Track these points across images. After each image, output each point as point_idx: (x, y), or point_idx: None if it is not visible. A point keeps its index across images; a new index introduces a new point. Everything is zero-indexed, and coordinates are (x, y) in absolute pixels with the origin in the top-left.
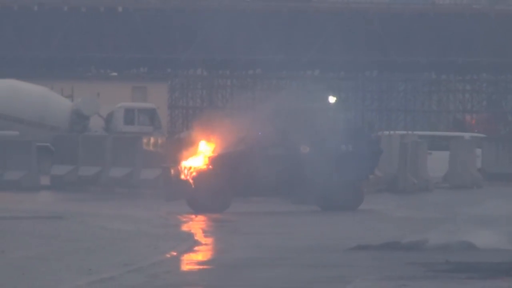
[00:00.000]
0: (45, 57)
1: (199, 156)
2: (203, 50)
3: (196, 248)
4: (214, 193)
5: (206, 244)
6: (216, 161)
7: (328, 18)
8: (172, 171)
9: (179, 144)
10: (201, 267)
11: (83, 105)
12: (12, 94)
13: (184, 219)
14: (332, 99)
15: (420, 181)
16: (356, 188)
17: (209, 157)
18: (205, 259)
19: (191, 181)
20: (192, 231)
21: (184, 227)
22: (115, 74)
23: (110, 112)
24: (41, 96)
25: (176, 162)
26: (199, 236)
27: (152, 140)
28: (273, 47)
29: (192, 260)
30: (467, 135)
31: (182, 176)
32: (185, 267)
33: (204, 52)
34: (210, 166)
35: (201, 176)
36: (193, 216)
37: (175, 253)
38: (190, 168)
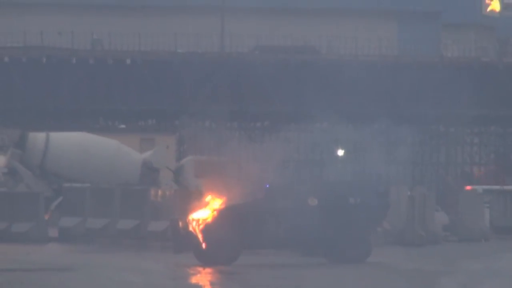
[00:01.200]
0: (53, 108)
1: (207, 208)
2: (211, 102)
3: None
4: (222, 245)
5: None
6: (224, 213)
7: (337, 70)
8: (180, 223)
9: (187, 196)
10: None
11: (153, 158)
12: (85, 147)
13: (192, 271)
14: (340, 152)
15: (428, 234)
16: (364, 240)
17: (217, 209)
18: None
19: (199, 233)
20: (200, 283)
21: (193, 280)
22: (123, 126)
23: (180, 165)
24: (113, 150)
25: (184, 214)
26: None
27: (160, 192)
28: (281, 99)
29: None
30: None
31: (190, 228)
32: None
33: (212, 104)
34: (218, 218)
35: (209, 228)
36: (201, 269)
37: None
38: (198, 220)
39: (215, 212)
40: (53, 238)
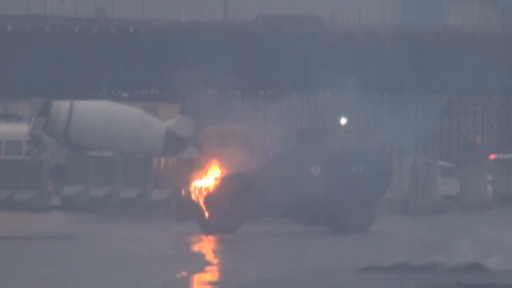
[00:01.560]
0: (56, 77)
1: (209, 177)
2: (214, 70)
3: (207, 268)
4: (225, 213)
5: (217, 265)
6: (227, 182)
7: (340, 40)
8: (183, 191)
9: (191, 164)
10: (211, 287)
11: (177, 126)
12: (108, 116)
13: (195, 240)
14: (343, 121)
15: (431, 202)
16: (367, 209)
17: (220, 178)
18: (215, 279)
19: (202, 201)
20: (203, 251)
21: (195, 248)
22: (126, 94)
23: (203, 133)
24: (137, 119)
25: (187, 182)
26: (210, 256)
27: (163, 160)
28: (284, 68)
29: (203, 281)
30: None
31: (193, 197)
32: (195, 287)
33: (216, 73)
34: (221, 187)
35: (211, 196)
36: (204, 237)
37: (185, 274)
38: (201, 188)
39: (218, 181)
40: (56, 206)
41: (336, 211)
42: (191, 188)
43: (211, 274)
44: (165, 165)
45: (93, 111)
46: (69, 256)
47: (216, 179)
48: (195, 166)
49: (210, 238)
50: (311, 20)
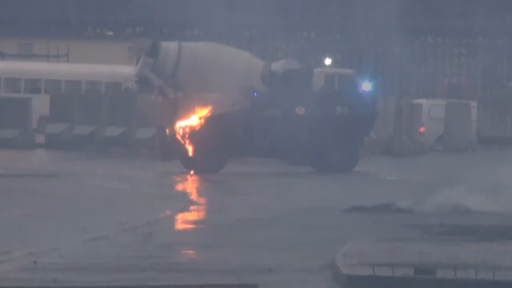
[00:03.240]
0: (42, 17)
1: (194, 116)
2: (199, 11)
3: (190, 207)
4: (209, 153)
5: (200, 204)
6: (212, 121)
7: None
8: (168, 130)
9: (175, 104)
10: (195, 226)
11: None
12: (216, 59)
13: (179, 179)
14: (328, 61)
15: (415, 144)
16: (351, 150)
17: (204, 117)
18: (199, 218)
19: (186, 141)
20: (187, 190)
21: (179, 187)
22: (111, 33)
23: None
24: (243, 61)
25: (172, 121)
26: (194, 195)
27: (147, 99)
28: (269, 9)
29: (187, 220)
30: None
31: (177, 136)
32: (179, 226)
33: (201, 14)
34: (206, 126)
35: (196, 136)
36: (188, 176)
37: (169, 213)
38: (185, 128)
39: (202, 120)
40: (40, 144)
41: (321, 151)
42: (176, 127)
43: (195, 213)
44: (150, 104)
45: (201, 52)
46: (52, 194)
47: (200, 118)
48: (179, 106)
49: (194, 177)
50: None
